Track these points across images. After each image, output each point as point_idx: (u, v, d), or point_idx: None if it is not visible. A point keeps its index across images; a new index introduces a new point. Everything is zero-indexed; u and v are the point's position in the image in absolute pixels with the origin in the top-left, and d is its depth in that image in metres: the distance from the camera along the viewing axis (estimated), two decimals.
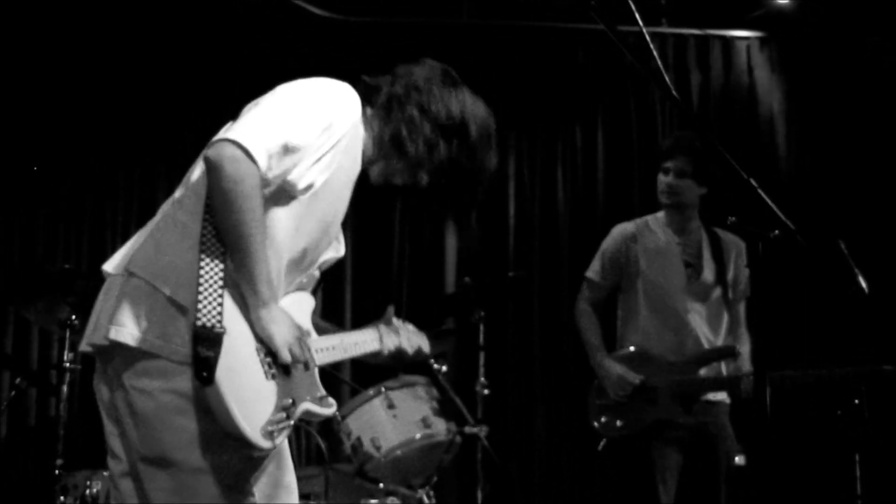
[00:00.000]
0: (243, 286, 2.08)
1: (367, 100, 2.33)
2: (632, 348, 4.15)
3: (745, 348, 4.07)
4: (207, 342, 1.95)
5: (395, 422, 3.94)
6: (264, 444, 2.03)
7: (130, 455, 2.09)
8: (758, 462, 2.10)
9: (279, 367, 2.14)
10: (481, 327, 4.48)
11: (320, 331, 2.40)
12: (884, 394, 3.99)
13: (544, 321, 5.78)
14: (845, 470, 3.92)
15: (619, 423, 4.08)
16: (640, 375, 4.04)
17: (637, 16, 1.98)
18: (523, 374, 5.73)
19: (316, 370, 2.30)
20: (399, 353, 2.61)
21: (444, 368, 4.17)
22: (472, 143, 2.35)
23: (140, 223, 2.28)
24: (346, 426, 3.98)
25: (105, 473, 3.73)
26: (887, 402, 4.57)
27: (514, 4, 5.92)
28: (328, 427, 4.10)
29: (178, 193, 2.21)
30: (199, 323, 1.96)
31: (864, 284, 2.09)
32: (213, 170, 2.01)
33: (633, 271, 4.22)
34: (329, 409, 2.27)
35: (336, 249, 2.43)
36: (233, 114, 2.27)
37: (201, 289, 1.99)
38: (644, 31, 1.96)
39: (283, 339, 2.12)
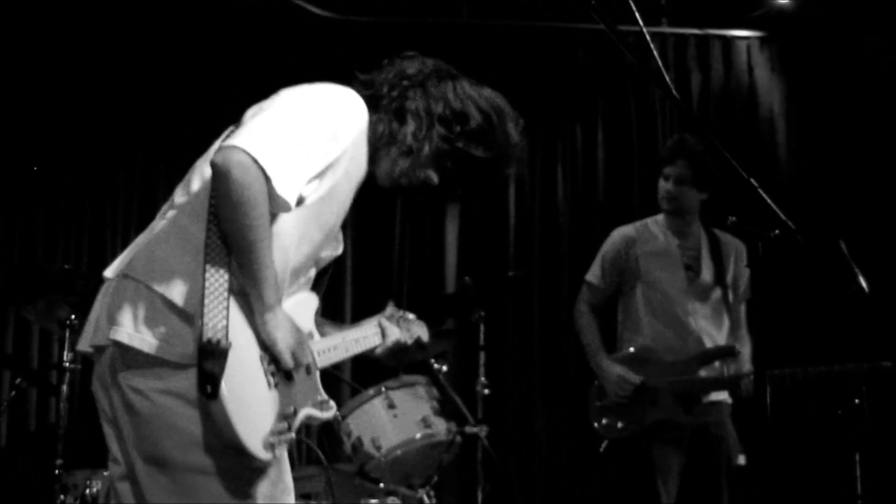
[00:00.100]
0: (249, 290, 2.07)
1: (371, 104, 2.31)
2: (632, 349, 4.16)
3: (745, 349, 4.08)
4: (213, 357, 1.93)
5: (396, 421, 3.94)
6: (265, 455, 2.03)
7: (128, 456, 2.09)
8: (758, 462, 2.10)
9: (281, 374, 2.13)
10: (481, 327, 4.48)
11: (320, 330, 2.40)
12: (883, 391, 3.99)
13: (544, 321, 5.78)
14: (845, 469, 3.92)
15: (619, 424, 4.08)
16: (639, 376, 4.05)
17: (637, 15, 1.98)
18: (523, 373, 5.73)
19: (317, 374, 2.30)
20: (400, 346, 2.61)
21: (445, 368, 4.17)
22: (477, 129, 2.35)
23: (140, 223, 2.28)
24: (346, 426, 3.98)
25: (105, 473, 3.74)
26: (887, 400, 4.57)
27: (514, 4, 5.92)
28: (329, 427, 4.10)
29: (179, 198, 2.19)
30: (205, 337, 1.94)
31: (864, 284, 2.09)
32: (220, 176, 2.00)
33: (634, 274, 4.23)
34: (329, 412, 2.26)
35: (334, 248, 2.42)
36: (233, 114, 2.27)
37: (207, 301, 1.97)
38: (644, 30, 1.96)
39: (286, 344, 2.12)
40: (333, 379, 4.40)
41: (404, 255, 5.76)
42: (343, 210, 2.30)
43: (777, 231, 2.07)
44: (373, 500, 3.91)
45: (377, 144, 2.30)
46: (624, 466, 4.17)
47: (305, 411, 2.18)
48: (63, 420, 3.98)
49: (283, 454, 2.29)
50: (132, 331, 2.03)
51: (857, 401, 3.80)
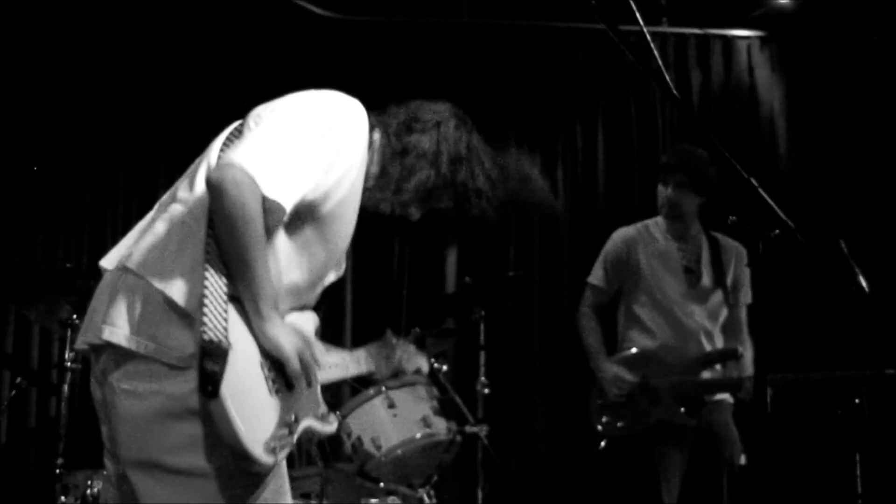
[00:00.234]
0: (247, 306, 2.05)
1: (375, 124, 2.29)
2: (634, 350, 4.16)
3: (747, 353, 4.07)
4: (214, 357, 1.93)
5: (396, 421, 3.94)
6: (266, 459, 2.02)
7: (121, 456, 2.07)
8: (759, 462, 2.10)
9: (282, 382, 2.12)
10: (482, 327, 4.48)
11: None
12: (883, 391, 3.99)
13: (544, 321, 5.78)
14: (845, 470, 3.92)
15: (620, 423, 4.09)
16: (637, 375, 4.05)
17: (637, 15, 1.97)
18: (523, 373, 5.73)
19: (318, 387, 2.29)
20: (398, 372, 2.63)
21: (445, 368, 4.17)
22: (470, 187, 2.32)
23: (139, 222, 2.26)
24: (346, 425, 3.98)
25: (105, 472, 3.73)
26: (887, 400, 4.57)
27: (514, 4, 5.92)
28: None
29: (182, 193, 2.17)
30: (205, 337, 1.93)
31: (864, 284, 2.09)
32: (216, 193, 1.97)
33: (635, 275, 4.23)
34: (331, 426, 2.26)
35: (337, 272, 2.40)
36: (233, 113, 2.26)
37: (206, 301, 1.96)
38: (645, 30, 1.95)
39: (292, 347, 2.10)
40: None
41: (405, 255, 5.76)
42: (350, 227, 2.27)
43: (777, 231, 2.07)
44: (373, 500, 3.91)
45: (373, 166, 2.28)
46: (625, 466, 4.18)
47: (307, 422, 2.18)
48: (63, 420, 3.98)
49: (282, 461, 2.29)
50: (128, 332, 2.02)
51: (857, 401, 3.80)
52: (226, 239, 2.00)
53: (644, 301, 4.20)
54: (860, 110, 5.89)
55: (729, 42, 6.08)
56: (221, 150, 2.16)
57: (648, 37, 1.93)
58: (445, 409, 4.08)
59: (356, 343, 5.64)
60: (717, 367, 4.14)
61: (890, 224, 5.67)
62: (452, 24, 5.89)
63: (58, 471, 3.88)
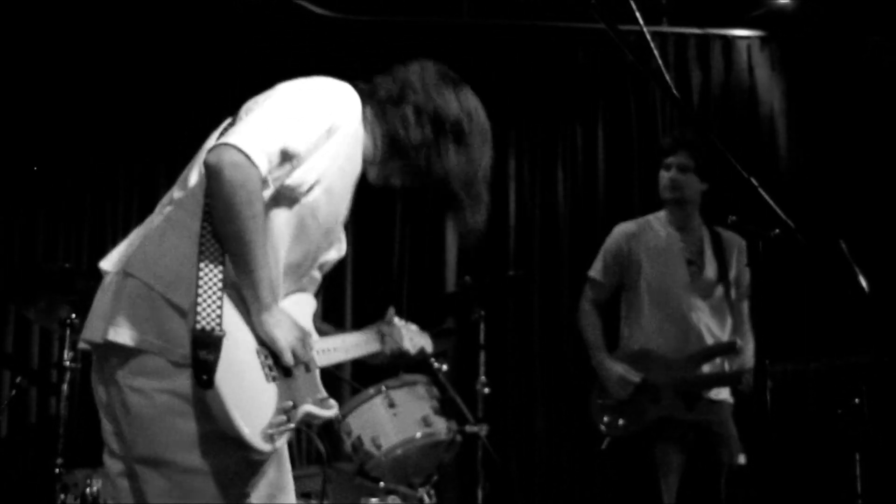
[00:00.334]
0: (245, 291, 2.07)
1: (366, 100, 2.32)
2: (635, 347, 4.16)
3: (749, 346, 4.06)
4: (207, 345, 1.94)
5: (396, 420, 3.94)
6: (264, 446, 2.02)
7: (126, 454, 2.09)
8: (758, 461, 2.10)
9: (280, 369, 2.13)
10: (481, 326, 4.48)
11: (321, 333, 2.40)
12: (883, 390, 4.00)
13: (544, 320, 5.78)
14: (845, 469, 3.92)
15: (621, 422, 4.09)
16: (640, 374, 4.05)
17: (637, 15, 1.98)
18: (523, 373, 5.73)
19: (317, 372, 2.29)
20: (401, 354, 2.61)
21: (445, 367, 4.17)
22: (469, 141, 2.34)
23: (140, 222, 2.27)
24: (346, 425, 3.98)
25: (104, 471, 3.73)
26: (887, 399, 4.58)
27: (514, 4, 5.92)
28: (329, 426, 4.10)
29: (176, 194, 2.19)
30: (198, 326, 1.94)
31: (864, 284, 2.09)
32: (213, 175, 1.99)
33: (636, 269, 4.23)
34: (330, 410, 2.26)
35: (338, 249, 2.41)
36: (233, 113, 2.27)
37: (200, 291, 1.97)
38: (645, 30, 1.96)
39: (286, 341, 2.12)
40: (333, 378, 4.39)
41: (404, 255, 5.76)
42: (342, 207, 2.30)
43: (777, 230, 2.07)
44: (373, 500, 3.91)
45: (371, 141, 2.31)
46: (625, 465, 4.18)
47: (305, 408, 2.18)
48: (63, 419, 3.98)
49: (284, 454, 2.29)
50: (131, 331, 2.03)
51: (856, 400, 3.80)
52: (224, 221, 2.01)
53: (645, 296, 4.20)
54: (860, 110, 5.89)
55: (729, 42, 6.08)
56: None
57: (648, 36, 1.94)
58: (445, 408, 4.08)
59: None
60: (717, 360, 4.14)
61: (890, 224, 5.67)
62: (452, 24, 5.89)
63: (57, 470, 3.88)
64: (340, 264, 2.46)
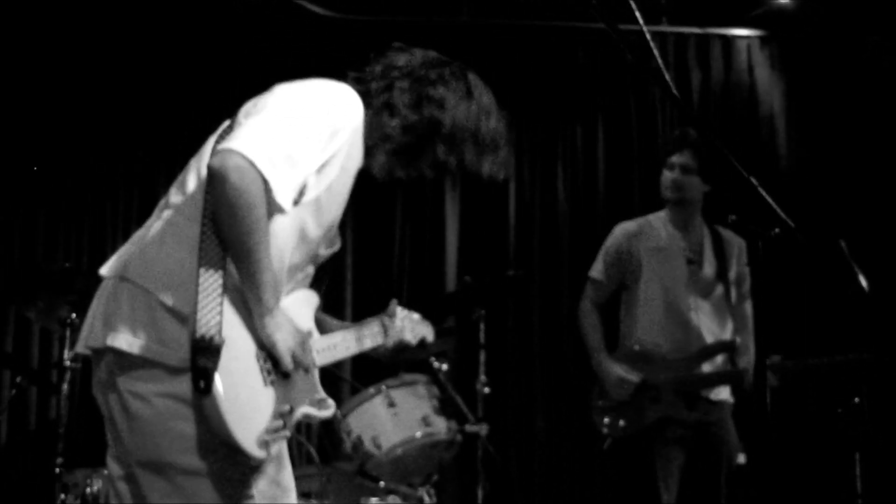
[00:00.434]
0: (247, 293, 2.07)
1: (365, 100, 2.31)
2: (636, 347, 4.16)
3: (751, 346, 4.05)
4: (206, 353, 1.94)
5: (396, 420, 3.94)
6: (258, 454, 2.03)
7: (127, 458, 2.09)
8: (758, 461, 2.11)
9: (279, 372, 2.13)
10: (482, 326, 4.48)
11: (322, 327, 2.39)
12: (883, 390, 4.00)
13: (544, 320, 5.78)
14: (845, 468, 3.93)
15: (622, 422, 4.08)
16: (639, 374, 4.05)
17: (637, 14, 1.97)
18: (523, 372, 5.73)
19: (316, 372, 2.29)
20: (403, 346, 2.60)
21: (445, 367, 4.17)
22: (464, 123, 2.33)
23: (140, 222, 2.27)
24: (346, 424, 3.98)
25: (105, 472, 3.74)
26: (887, 399, 4.58)
27: (514, 3, 5.92)
28: (329, 425, 4.10)
29: (174, 198, 2.19)
30: (198, 334, 1.94)
31: (864, 283, 2.09)
32: (217, 180, 1.99)
33: (636, 269, 4.23)
34: (327, 411, 2.26)
35: (333, 244, 2.41)
36: (233, 113, 2.26)
37: (200, 297, 1.97)
38: (644, 29, 1.95)
39: (286, 345, 2.12)
40: (333, 377, 4.40)
41: (404, 254, 5.76)
42: (341, 206, 2.29)
43: (777, 229, 2.07)
44: (373, 499, 3.91)
45: (372, 140, 2.30)
46: (625, 465, 4.18)
47: (303, 409, 2.18)
48: (63, 419, 3.99)
49: (284, 454, 2.29)
50: (130, 337, 2.03)
51: (856, 399, 3.81)
52: (227, 225, 2.01)
53: (645, 295, 4.20)
54: (860, 110, 5.89)
55: (729, 41, 6.08)
56: (215, 145, 2.16)
57: (648, 36, 1.94)
58: (445, 408, 4.08)
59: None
60: (718, 359, 4.14)
61: (890, 224, 5.67)
62: (452, 24, 5.89)
63: (57, 470, 3.88)
64: (341, 265, 2.46)
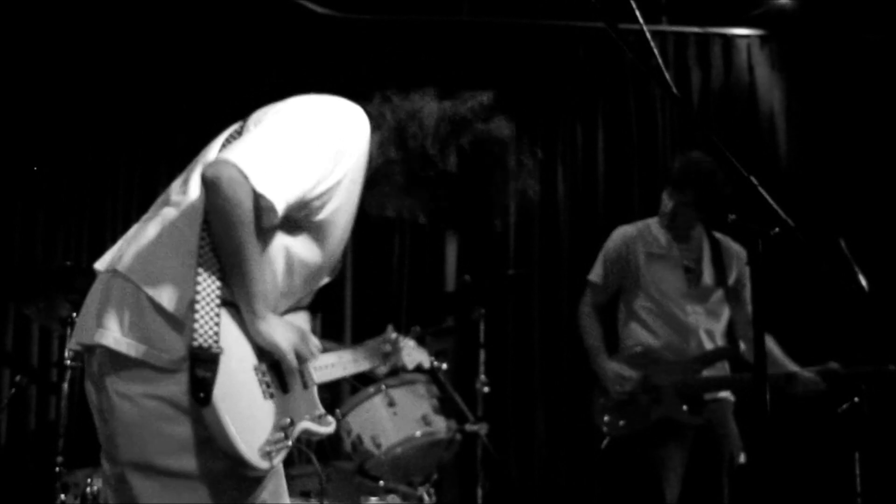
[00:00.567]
0: (241, 305, 2.05)
1: (373, 130, 2.27)
2: (637, 349, 4.16)
3: (774, 348, 4.03)
4: (204, 363, 1.93)
5: (396, 419, 3.94)
6: (262, 464, 2.02)
7: (117, 457, 2.07)
8: (758, 460, 2.10)
9: (277, 385, 2.12)
10: (481, 325, 4.48)
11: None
12: (883, 390, 3.99)
13: (544, 319, 5.78)
14: (845, 469, 3.92)
15: (622, 422, 4.08)
16: (635, 371, 4.05)
17: (637, 14, 1.97)
18: (523, 371, 5.73)
19: (315, 389, 2.28)
20: (399, 370, 2.63)
21: (445, 366, 4.17)
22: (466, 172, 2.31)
23: (139, 221, 2.26)
24: (346, 424, 3.98)
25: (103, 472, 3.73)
26: (887, 399, 4.58)
27: (514, 2, 5.92)
28: None
29: (175, 196, 2.17)
30: (195, 343, 1.93)
31: (864, 283, 2.09)
32: (210, 191, 1.97)
33: (635, 273, 4.23)
34: (328, 427, 2.25)
35: (334, 271, 2.39)
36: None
37: (198, 307, 1.96)
38: (644, 29, 1.95)
39: (287, 342, 2.11)
40: None
41: (404, 253, 5.76)
42: (345, 233, 2.27)
43: (777, 229, 2.07)
44: (372, 498, 3.91)
45: (373, 171, 2.26)
46: (627, 464, 4.18)
47: (303, 424, 2.17)
48: (63, 418, 3.98)
49: (279, 467, 2.28)
50: (119, 335, 2.02)
51: (856, 399, 3.81)
52: (220, 236, 2.00)
53: (644, 299, 4.20)
54: (860, 109, 5.89)
55: (729, 41, 6.08)
56: (220, 151, 2.15)
57: (648, 35, 1.93)
58: (445, 407, 4.08)
59: (356, 340, 5.64)
60: (726, 364, 4.14)
61: (890, 223, 5.67)
62: (452, 22, 5.89)
63: (57, 469, 3.88)
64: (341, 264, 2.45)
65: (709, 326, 4.15)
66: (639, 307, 4.21)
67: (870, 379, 3.81)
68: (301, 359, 2.15)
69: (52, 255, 5.42)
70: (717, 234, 4.26)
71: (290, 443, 2.11)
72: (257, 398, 2.06)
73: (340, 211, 2.18)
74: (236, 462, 1.99)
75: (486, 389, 4.41)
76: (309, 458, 3.82)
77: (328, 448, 4.11)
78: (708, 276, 4.18)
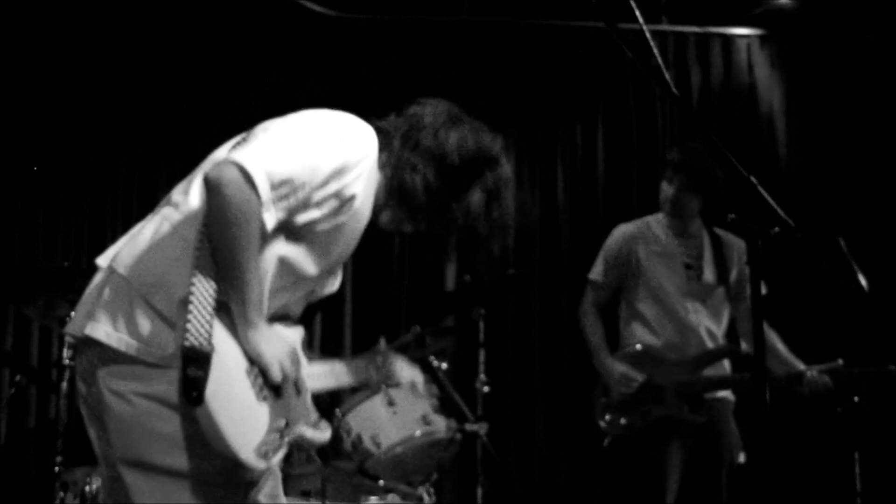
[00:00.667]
0: (234, 309, 2.04)
1: (383, 143, 2.25)
2: (638, 346, 4.15)
3: (780, 346, 4.04)
4: (196, 362, 1.91)
5: (396, 419, 3.94)
6: (258, 464, 2.00)
7: (110, 456, 2.07)
8: (758, 459, 2.10)
9: (270, 388, 2.11)
10: (481, 325, 4.48)
11: (311, 359, 2.38)
12: (883, 389, 4.00)
13: (544, 318, 5.78)
14: (845, 468, 3.93)
15: (623, 421, 4.08)
16: (642, 374, 4.05)
17: (637, 13, 1.97)
18: (523, 371, 5.73)
19: (308, 395, 2.28)
20: (391, 385, 2.62)
21: (445, 366, 4.17)
22: (489, 184, 2.27)
23: (140, 220, 2.26)
24: (345, 423, 3.98)
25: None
26: (887, 398, 4.58)
27: (514, 2, 5.92)
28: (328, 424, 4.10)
29: (177, 196, 2.17)
30: (187, 343, 1.91)
31: (863, 282, 2.09)
32: (212, 191, 1.97)
33: (635, 272, 4.23)
34: (324, 434, 2.25)
35: (332, 284, 2.38)
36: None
37: (191, 307, 1.94)
38: (644, 28, 1.95)
39: (273, 356, 2.09)
40: None
41: (405, 253, 5.76)
42: (348, 250, 2.25)
43: (776, 228, 2.07)
44: (372, 498, 3.91)
45: (384, 185, 2.25)
46: (626, 464, 4.17)
47: (300, 429, 2.16)
48: (63, 417, 3.98)
49: (277, 471, 2.27)
50: (110, 329, 2.02)
51: (856, 399, 3.81)
52: (217, 238, 1.99)
53: (645, 297, 4.20)
54: (860, 109, 5.89)
55: (728, 40, 6.08)
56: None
57: (648, 35, 1.93)
58: (445, 407, 4.08)
59: (355, 341, 5.65)
60: (725, 362, 4.14)
61: (890, 223, 5.67)
62: (452, 22, 5.89)
63: (57, 468, 3.88)
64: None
65: (710, 325, 4.15)
66: (640, 305, 4.20)
67: (870, 379, 3.81)
68: (284, 375, 2.12)
69: (52, 255, 5.42)
70: (718, 231, 4.25)
71: (286, 444, 2.10)
72: (250, 399, 2.05)
73: (344, 228, 2.17)
74: (231, 462, 1.98)
75: (486, 389, 4.41)
76: (309, 457, 3.82)
77: (328, 448, 4.11)
78: (709, 273, 4.18)
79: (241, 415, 2.00)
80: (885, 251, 5.39)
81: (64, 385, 4.01)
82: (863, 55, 5.93)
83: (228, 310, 2.04)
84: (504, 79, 5.84)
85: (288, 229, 2.11)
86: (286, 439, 2.10)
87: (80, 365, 2.11)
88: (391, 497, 3.93)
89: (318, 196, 2.08)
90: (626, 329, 4.27)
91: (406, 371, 2.64)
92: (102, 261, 2.17)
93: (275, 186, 1.99)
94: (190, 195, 2.14)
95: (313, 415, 2.26)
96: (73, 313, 3.85)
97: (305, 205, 2.07)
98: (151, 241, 2.10)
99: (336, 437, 4.02)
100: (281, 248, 2.12)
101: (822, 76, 5.95)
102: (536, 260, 5.83)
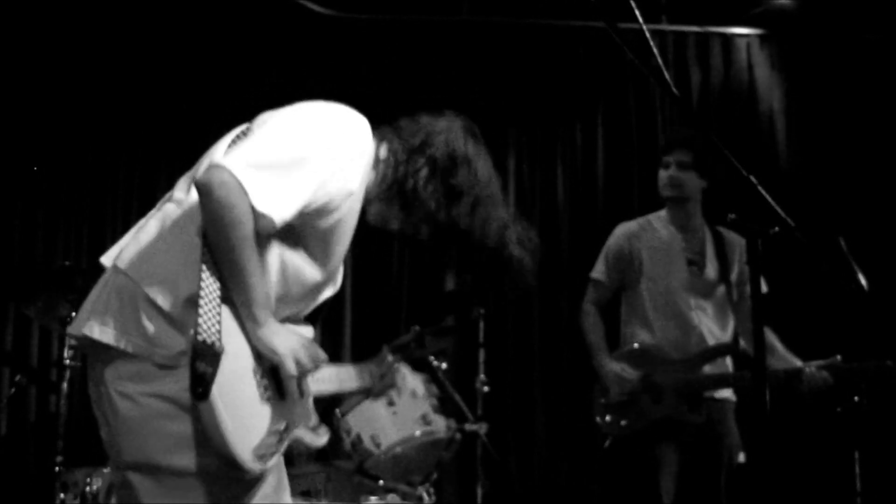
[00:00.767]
0: (241, 311, 2.04)
1: (383, 139, 2.25)
2: (636, 345, 4.15)
3: (777, 345, 4.03)
4: (206, 358, 1.91)
5: (395, 419, 3.94)
6: (254, 466, 2.00)
7: (118, 460, 2.07)
8: (758, 459, 2.11)
9: (274, 390, 2.11)
10: (481, 324, 4.48)
11: None
12: (883, 389, 3.99)
13: (544, 318, 5.78)
14: (845, 468, 3.92)
15: (623, 421, 4.08)
16: (637, 372, 4.04)
17: (637, 13, 1.97)
18: (523, 371, 5.73)
19: (310, 399, 2.28)
20: (391, 392, 2.64)
21: (444, 365, 4.17)
22: (477, 207, 2.27)
23: (140, 220, 2.26)
24: (345, 423, 3.98)
25: (105, 470, 3.74)
26: (887, 398, 4.58)
27: (514, 1, 5.92)
28: (328, 424, 4.10)
29: (178, 194, 2.17)
30: (199, 338, 1.91)
31: (863, 282, 2.09)
32: (204, 195, 1.96)
33: (637, 269, 4.22)
34: (322, 438, 2.25)
35: (334, 286, 2.37)
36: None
37: (202, 303, 1.94)
38: (644, 28, 1.95)
39: (287, 347, 2.08)
40: None
41: (404, 252, 5.77)
42: (345, 245, 2.25)
43: (776, 228, 2.07)
44: (372, 498, 3.91)
45: (377, 181, 2.25)
46: (626, 464, 4.17)
47: (299, 433, 2.16)
48: (63, 417, 3.98)
49: (283, 475, 2.27)
50: (117, 331, 2.02)
51: (856, 398, 3.80)
52: (214, 240, 1.98)
53: (646, 295, 4.19)
54: (860, 109, 5.89)
55: (728, 40, 6.08)
56: (225, 152, 2.14)
57: (648, 35, 1.93)
58: (445, 406, 4.08)
59: (355, 341, 5.65)
60: (727, 360, 4.14)
61: (890, 222, 5.67)
62: (452, 22, 5.90)
63: (57, 468, 3.88)
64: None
65: (711, 322, 4.14)
66: (641, 304, 4.20)
67: (869, 375, 3.80)
68: (301, 368, 2.13)
69: (52, 255, 5.42)
70: (720, 228, 4.25)
71: (283, 448, 2.10)
72: (254, 400, 2.05)
73: (341, 223, 2.17)
74: (227, 463, 1.97)
75: (486, 389, 4.41)
76: (309, 456, 3.82)
77: (328, 448, 4.10)
78: (711, 269, 4.17)
79: (243, 414, 2.00)
80: (885, 251, 5.39)
81: (64, 385, 4.01)
82: (863, 55, 5.93)
83: (234, 307, 2.04)
84: (504, 79, 5.84)
85: (289, 233, 2.10)
86: (284, 443, 2.10)
87: (92, 372, 2.11)
88: (391, 497, 3.92)
89: (314, 194, 2.07)
90: (627, 328, 4.27)
91: (409, 380, 2.65)
92: (106, 260, 2.17)
93: (265, 185, 1.97)
94: (191, 192, 2.12)
95: (313, 419, 2.26)
96: (73, 314, 3.93)
97: (301, 198, 2.06)
98: (155, 239, 2.09)
99: (336, 437, 4.02)
100: (283, 254, 2.11)
101: (822, 76, 5.96)
102: (536, 260, 5.82)
